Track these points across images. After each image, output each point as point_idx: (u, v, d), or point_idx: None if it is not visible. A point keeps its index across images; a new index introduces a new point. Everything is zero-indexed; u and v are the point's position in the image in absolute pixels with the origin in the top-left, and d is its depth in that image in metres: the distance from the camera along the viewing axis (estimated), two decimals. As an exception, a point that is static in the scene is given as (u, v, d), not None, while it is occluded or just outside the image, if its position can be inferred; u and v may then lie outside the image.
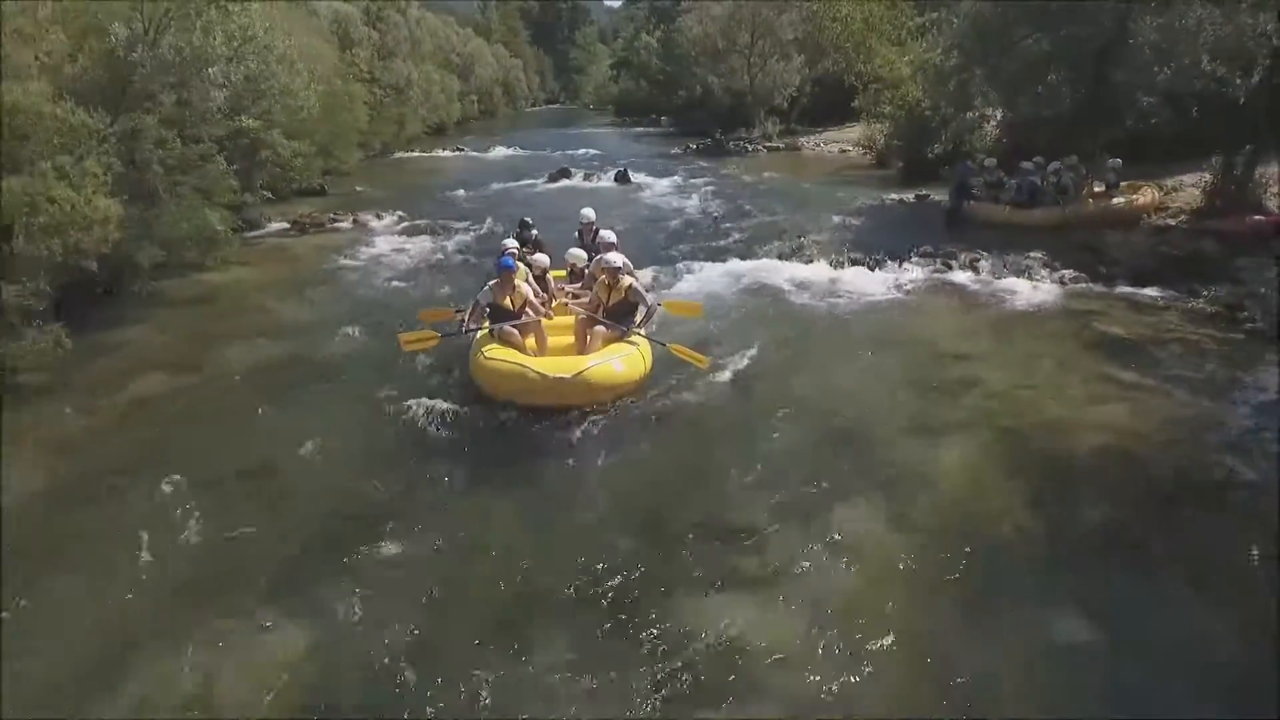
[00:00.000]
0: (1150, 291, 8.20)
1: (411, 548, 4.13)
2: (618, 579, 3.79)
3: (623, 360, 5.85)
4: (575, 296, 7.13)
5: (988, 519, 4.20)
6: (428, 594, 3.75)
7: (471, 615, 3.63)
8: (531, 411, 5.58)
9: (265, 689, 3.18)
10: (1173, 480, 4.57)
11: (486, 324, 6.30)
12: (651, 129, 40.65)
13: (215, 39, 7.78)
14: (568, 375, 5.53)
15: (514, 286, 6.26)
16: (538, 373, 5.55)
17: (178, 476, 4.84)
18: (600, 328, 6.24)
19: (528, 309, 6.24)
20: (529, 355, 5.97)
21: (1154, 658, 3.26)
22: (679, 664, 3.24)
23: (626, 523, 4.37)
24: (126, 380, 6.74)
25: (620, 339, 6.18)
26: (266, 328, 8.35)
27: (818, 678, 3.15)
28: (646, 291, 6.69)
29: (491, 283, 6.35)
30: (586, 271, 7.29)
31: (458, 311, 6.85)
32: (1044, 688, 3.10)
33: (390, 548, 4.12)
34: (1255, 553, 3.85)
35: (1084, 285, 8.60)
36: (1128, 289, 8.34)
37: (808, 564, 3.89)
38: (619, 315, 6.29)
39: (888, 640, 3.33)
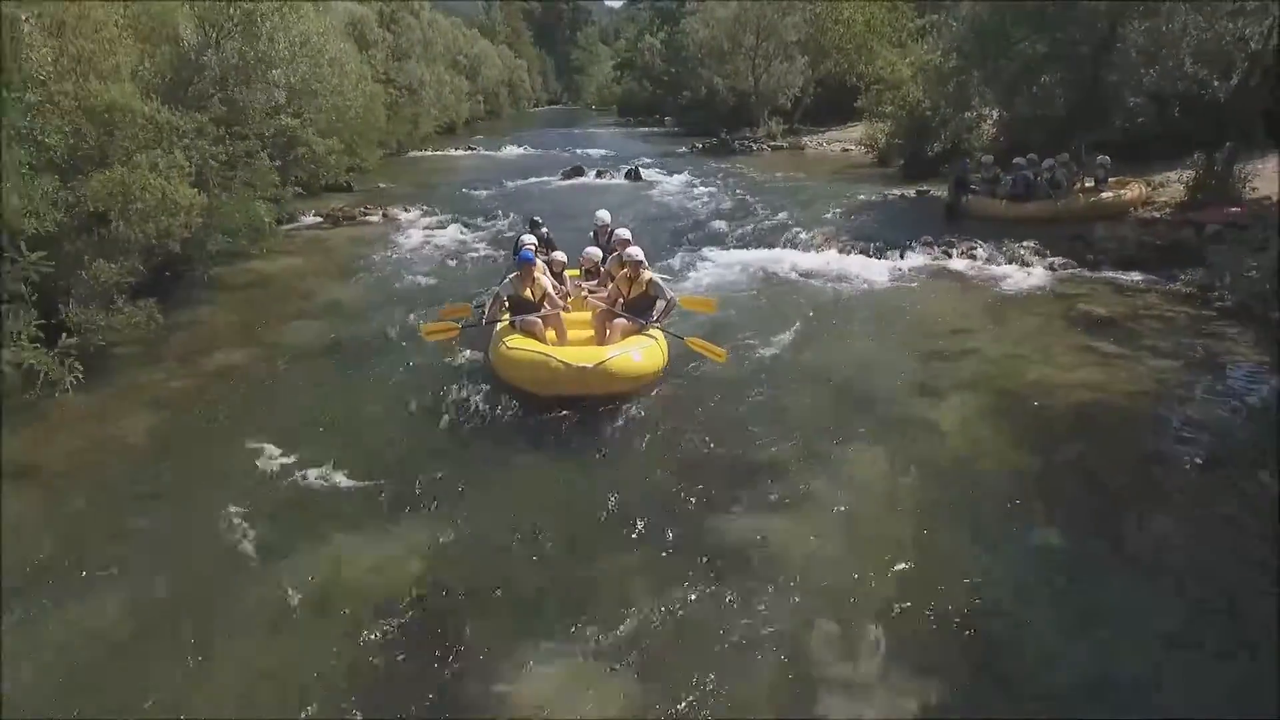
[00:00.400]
0: (1133, 276, 8.95)
1: (453, 510, 4.56)
2: (661, 506, 4.53)
3: (642, 351, 5.95)
4: (592, 292, 7.15)
5: (979, 456, 4.95)
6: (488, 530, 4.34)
7: (541, 532, 4.30)
8: (554, 400, 5.73)
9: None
10: (1137, 426, 5.33)
11: (507, 315, 6.39)
12: (655, 129, 41.35)
13: (279, 44, 8.51)
14: (590, 365, 5.62)
15: (534, 279, 6.36)
16: (561, 361, 5.66)
17: (256, 429, 5.58)
18: (620, 320, 6.35)
19: (547, 301, 6.36)
20: (550, 346, 6.06)
21: (1114, 558, 3.99)
22: (724, 568, 3.96)
23: (662, 470, 4.96)
24: (204, 352, 7.48)
25: (639, 332, 6.26)
26: (315, 309, 9.11)
27: (840, 575, 3.87)
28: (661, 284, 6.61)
29: (512, 275, 6.46)
30: (602, 270, 7.38)
31: (477, 307, 6.94)
32: (1022, 582, 3.82)
33: (434, 507, 4.59)
34: (1199, 461, 4.61)
35: (1072, 271, 9.35)
36: (1112, 274, 9.09)
37: (828, 494, 4.60)
38: (638, 309, 6.39)
39: (894, 547, 4.04)
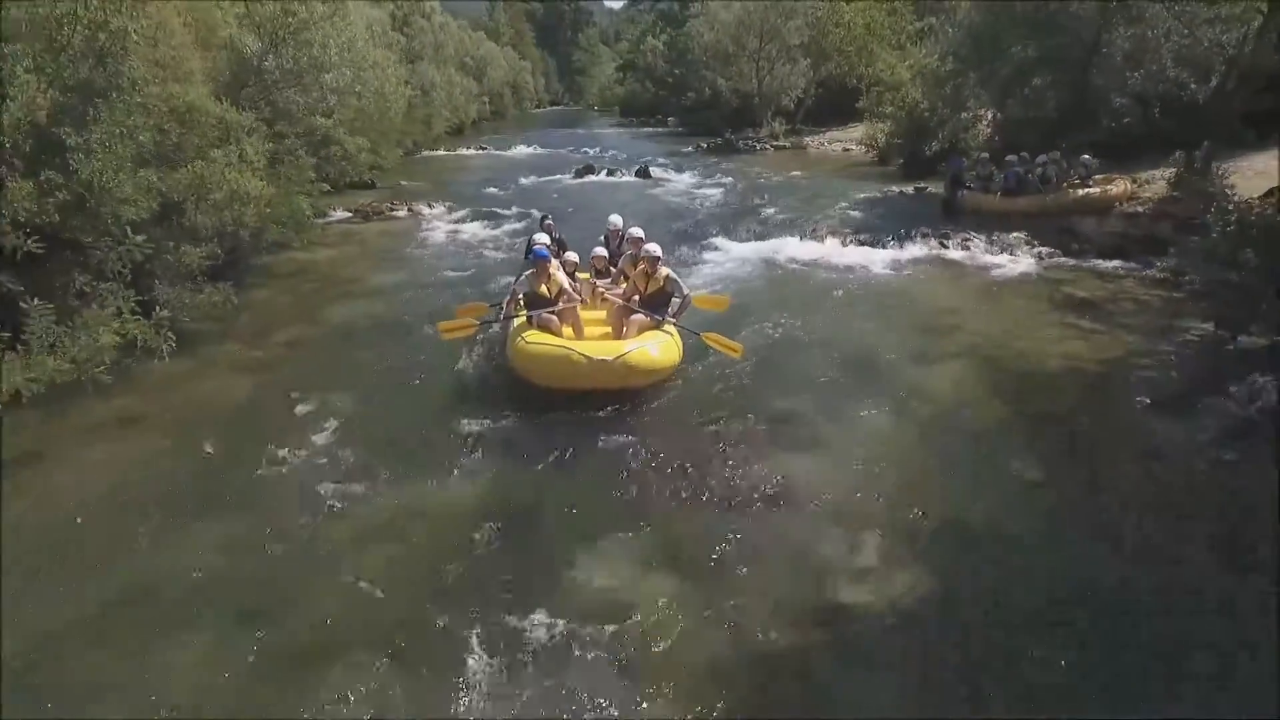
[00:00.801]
0: (1113, 263, 9.74)
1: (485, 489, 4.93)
2: (682, 482, 5.31)
3: (659, 346, 6.06)
4: (608, 289, 7.19)
5: (968, 408, 5.75)
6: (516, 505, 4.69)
7: (553, 514, 4.60)
8: (573, 392, 5.88)
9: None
10: (1109, 386, 6.12)
11: (523, 311, 6.48)
12: (659, 129, 42.12)
13: (330, 50, 9.30)
14: (609, 358, 5.73)
15: (550, 275, 6.44)
16: (581, 355, 5.76)
17: (319, 392, 6.38)
18: (638, 316, 6.45)
19: (563, 297, 6.44)
20: (569, 340, 6.15)
21: (1082, 483, 4.78)
22: (743, 505, 4.74)
23: (682, 450, 5.35)
24: (267, 330, 8.27)
25: (656, 327, 6.36)
26: (358, 293, 9.90)
27: (851, 501, 4.64)
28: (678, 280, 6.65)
29: (528, 272, 6.55)
30: (614, 270, 7.48)
31: (492, 306, 7.16)
32: (1003, 504, 4.60)
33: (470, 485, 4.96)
34: (1157, 431, 5.39)
35: (1058, 259, 10.16)
36: (1094, 262, 9.89)
37: (838, 442, 5.38)
38: (654, 305, 6.50)
39: (896, 481, 4.82)
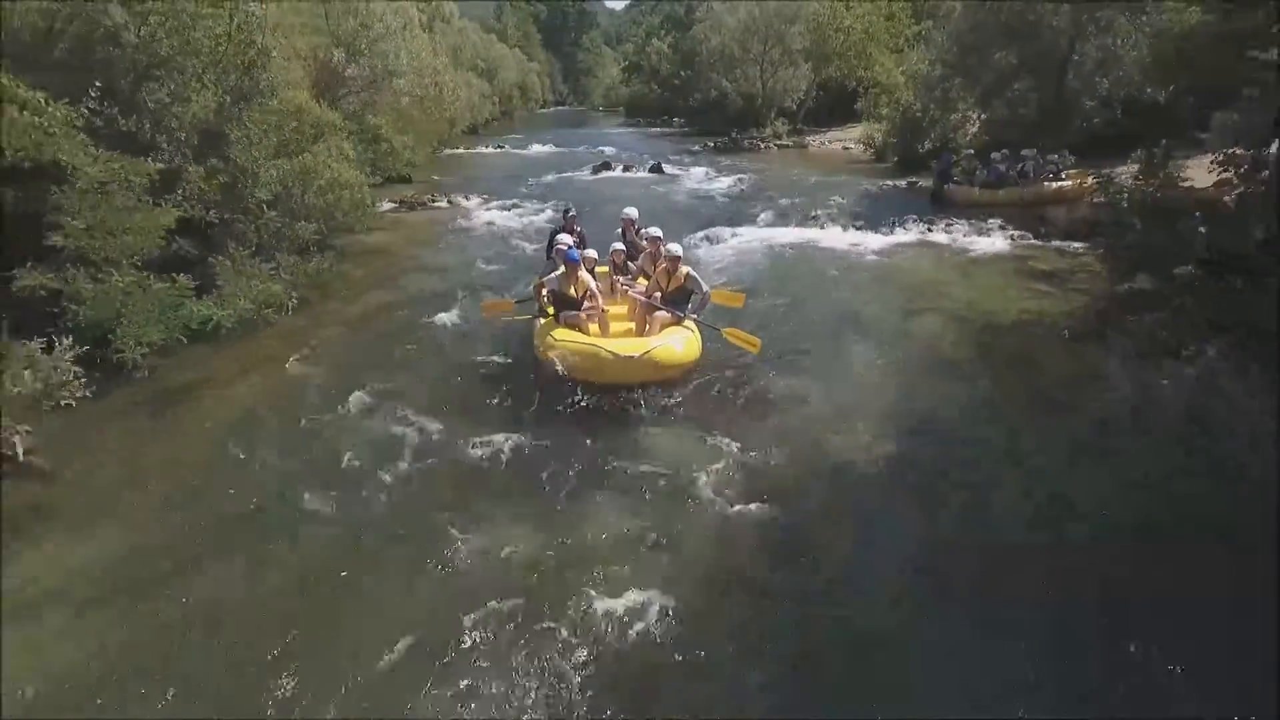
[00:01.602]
0: (1073, 245, 11.29)
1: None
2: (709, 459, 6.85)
3: (682, 341, 6.40)
4: (630, 287, 7.50)
5: (943, 354, 7.31)
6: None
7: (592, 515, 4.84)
8: (600, 386, 6.22)
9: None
10: (1051, 329, 7.70)
11: (551, 310, 6.82)
12: (666, 130, 43.66)
13: (402, 59, 10.87)
14: (636, 354, 6.02)
15: (578, 278, 6.77)
16: (610, 352, 6.04)
17: (402, 345, 7.88)
18: (661, 313, 6.75)
19: (590, 298, 6.77)
20: (596, 337, 6.46)
21: (1036, 405, 6.32)
22: (757, 438, 6.28)
23: (707, 435, 6.59)
24: (354, 297, 9.77)
25: (677, 323, 6.67)
26: (416, 270, 11.41)
27: (847, 424, 6.14)
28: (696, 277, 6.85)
29: (558, 273, 6.86)
30: (633, 266, 7.78)
31: (519, 302, 7.63)
32: (971, 422, 6.09)
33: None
34: (1083, 355, 6.96)
35: (1028, 241, 11.71)
36: (1058, 243, 11.43)
37: (837, 380, 6.88)
38: (675, 301, 6.80)
39: (882, 408, 6.30)
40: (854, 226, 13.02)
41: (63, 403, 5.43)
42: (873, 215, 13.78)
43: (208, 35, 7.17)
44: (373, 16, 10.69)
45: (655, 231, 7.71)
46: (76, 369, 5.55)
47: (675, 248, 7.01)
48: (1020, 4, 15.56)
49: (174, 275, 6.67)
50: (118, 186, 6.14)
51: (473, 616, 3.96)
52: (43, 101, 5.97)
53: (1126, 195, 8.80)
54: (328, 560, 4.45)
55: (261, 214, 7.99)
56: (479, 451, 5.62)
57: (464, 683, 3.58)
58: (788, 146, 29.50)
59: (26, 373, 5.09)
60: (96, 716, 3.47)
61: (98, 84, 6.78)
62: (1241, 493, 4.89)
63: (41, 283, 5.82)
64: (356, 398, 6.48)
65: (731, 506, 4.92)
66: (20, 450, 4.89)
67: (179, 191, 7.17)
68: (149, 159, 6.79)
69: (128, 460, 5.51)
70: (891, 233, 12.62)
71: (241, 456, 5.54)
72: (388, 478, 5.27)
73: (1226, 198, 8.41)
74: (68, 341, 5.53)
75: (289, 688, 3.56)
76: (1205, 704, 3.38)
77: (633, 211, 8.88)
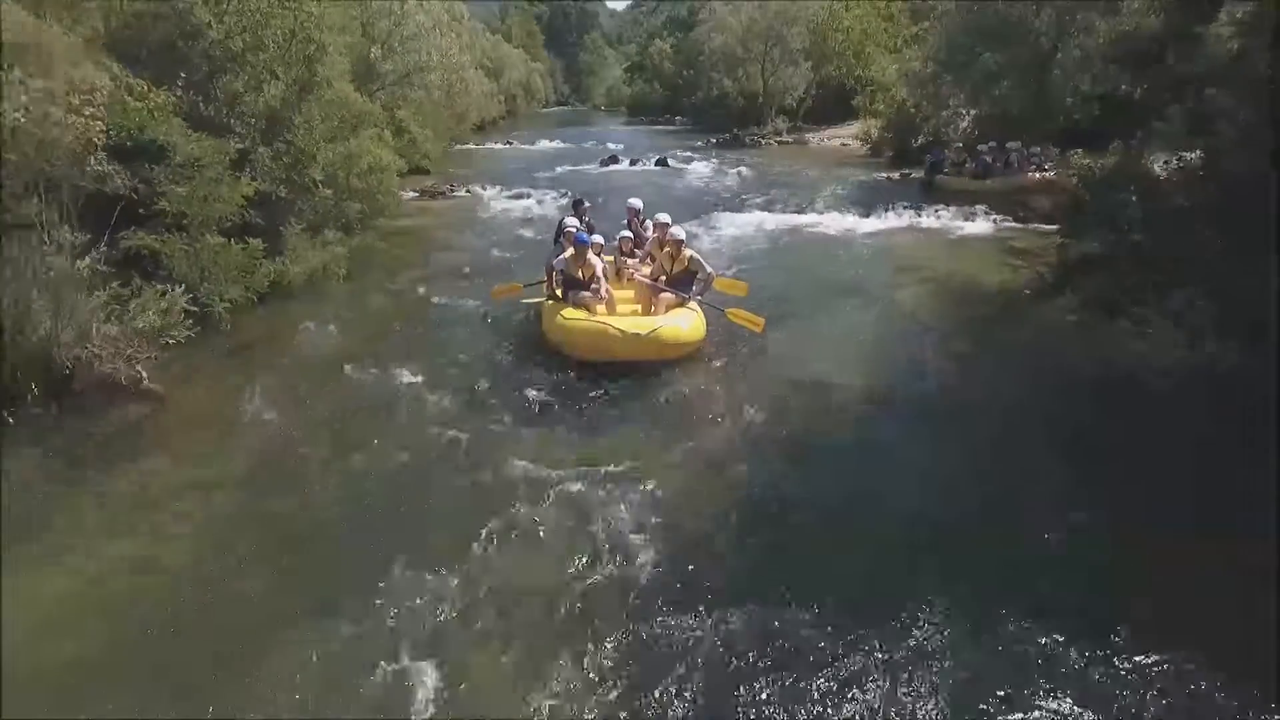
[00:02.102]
0: (1051, 227, 12.23)
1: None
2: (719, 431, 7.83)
3: (688, 321, 6.62)
4: (636, 269, 7.69)
5: (925, 310, 8.34)
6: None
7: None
8: (607, 365, 6.36)
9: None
10: (1018, 291, 8.70)
11: (559, 290, 7.00)
12: (669, 127, 44.61)
13: (433, 56, 11.86)
14: (642, 332, 6.19)
15: (587, 260, 6.95)
16: (618, 330, 6.20)
17: (431, 313, 8.85)
18: (666, 294, 6.96)
19: (597, 280, 6.93)
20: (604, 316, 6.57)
21: (1000, 346, 7.32)
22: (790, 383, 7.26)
23: (714, 404, 8.03)
24: (395, 267, 10.79)
25: (682, 304, 6.88)
26: (443, 249, 12.42)
27: (841, 367, 7.13)
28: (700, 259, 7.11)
29: (567, 255, 7.04)
30: (639, 252, 8.03)
31: (527, 285, 7.92)
32: (941, 371, 7.09)
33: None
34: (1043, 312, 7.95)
35: (1009, 225, 12.74)
36: (1037, 225, 12.40)
37: (831, 336, 7.87)
38: (680, 283, 7.02)
39: (872, 355, 7.29)
40: (849, 212, 14.02)
41: (171, 341, 6.40)
42: (867, 203, 14.80)
43: (278, 31, 8.14)
44: (407, 17, 11.67)
45: (663, 218, 7.86)
46: (188, 307, 6.53)
47: (678, 231, 7.33)
48: (1005, 6, 16.54)
49: (246, 240, 7.63)
50: (208, 162, 7.12)
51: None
52: (145, 88, 6.96)
53: (1083, 170, 9.70)
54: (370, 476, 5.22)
55: (317, 191, 8.95)
56: (494, 417, 5.99)
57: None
58: (788, 143, 30.49)
59: (149, 311, 6.06)
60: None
61: (182, 75, 7.78)
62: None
63: (146, 243, 6.79)
64: (397, 359, 7.10)
65: (738, 464, 5.24)
66: (144, 375, 5.85)
67: (248, 170, 8.13)
68: (227, 140, 7.78)
69: (221, 391, 6.48)
70: (884, 218, 13.62)
71: (308, 395, 6.43)
72: (415, 428, 5.85)
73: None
74: (180, 289, 6.50)
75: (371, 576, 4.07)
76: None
77: (637, 202, 9.24)
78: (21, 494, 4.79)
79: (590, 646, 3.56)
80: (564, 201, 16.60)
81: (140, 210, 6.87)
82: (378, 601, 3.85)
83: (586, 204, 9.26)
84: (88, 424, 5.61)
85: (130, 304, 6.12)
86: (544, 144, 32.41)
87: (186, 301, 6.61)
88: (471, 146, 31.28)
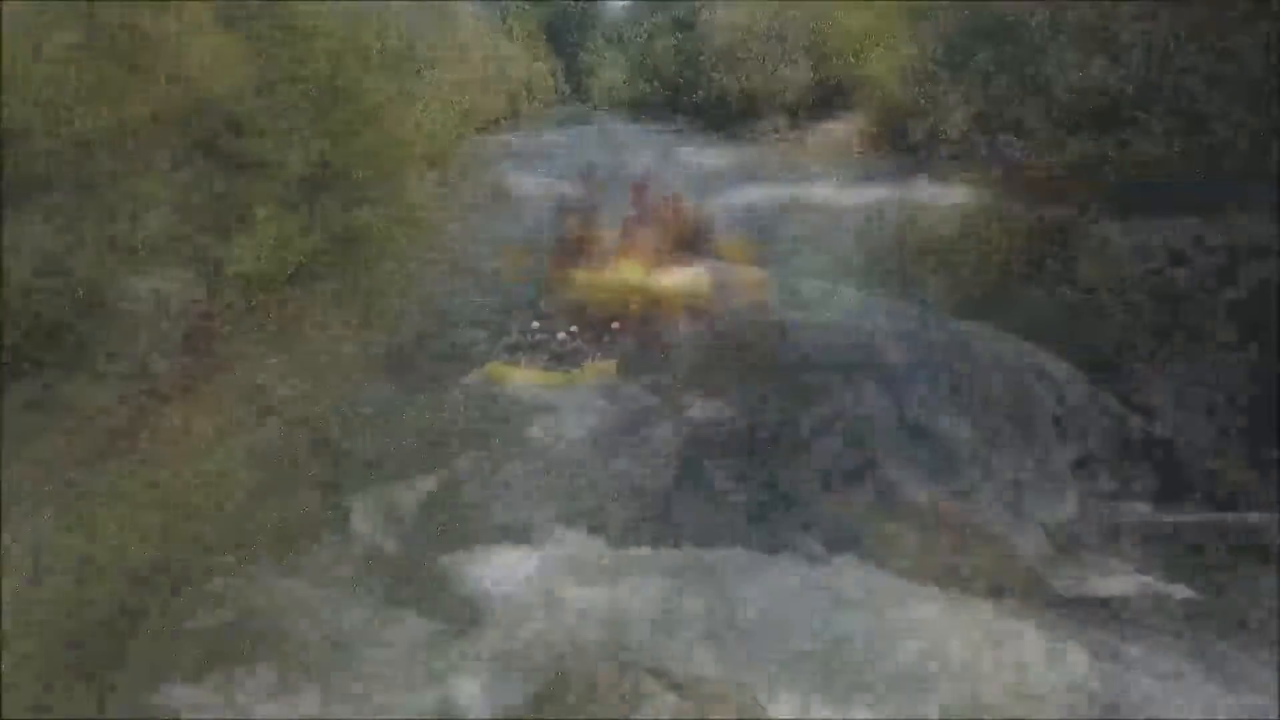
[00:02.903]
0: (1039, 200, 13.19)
1: None
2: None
3: (691, 276, 7.19)
4: (640, 231, 8.30)
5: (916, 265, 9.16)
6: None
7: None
8: (613, 316, 6.91)
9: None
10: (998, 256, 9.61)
11: (569, 254, 7.53)
12: (670, 125, 45.27)
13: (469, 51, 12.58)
14: (651, 288, 6.76)
15: (595, 225, 7.60)
16: (627, 286, 6.74)
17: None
18: (674, 254, 7.62)
19: (600, 243, 7.49)
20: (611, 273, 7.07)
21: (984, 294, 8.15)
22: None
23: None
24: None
25: (689, 264, 7.54)
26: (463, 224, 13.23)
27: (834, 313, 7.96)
28: (707, 221, 7.82)
29: (570, 219, 7.59)
30: (644, 219, 8.62)
31: (534, 254, 8.56)
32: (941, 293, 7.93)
33: None
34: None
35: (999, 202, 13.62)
36: (1025, 198, 13.32)
37: (829, 291, 8.69)
38: (684, 246, 7.59)
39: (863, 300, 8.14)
40: (847, 187, 14.97)
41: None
42: (863, 184, 15.72)
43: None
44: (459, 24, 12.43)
45: (666, 183, 8.46)
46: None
47: (684, 198, 7.87)
48: (999, 5, 17.47)
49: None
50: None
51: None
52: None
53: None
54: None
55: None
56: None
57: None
58: (788, 140, 31.38)
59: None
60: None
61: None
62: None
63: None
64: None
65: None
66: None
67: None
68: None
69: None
70: (878, 193, 14.57)
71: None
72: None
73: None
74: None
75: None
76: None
77: (639, 177, 9.89)
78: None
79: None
80: (572, 186, 17.43)
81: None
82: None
83: (597, 173, 9.58)
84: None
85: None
86: (550, 136, 33.31)
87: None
88: (485, 136, 32.01)
